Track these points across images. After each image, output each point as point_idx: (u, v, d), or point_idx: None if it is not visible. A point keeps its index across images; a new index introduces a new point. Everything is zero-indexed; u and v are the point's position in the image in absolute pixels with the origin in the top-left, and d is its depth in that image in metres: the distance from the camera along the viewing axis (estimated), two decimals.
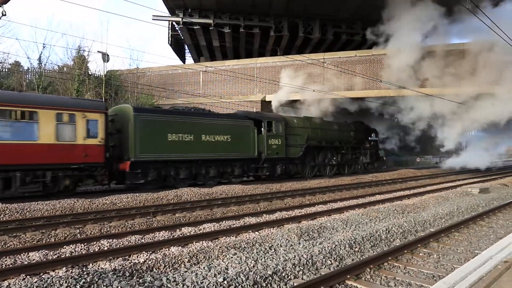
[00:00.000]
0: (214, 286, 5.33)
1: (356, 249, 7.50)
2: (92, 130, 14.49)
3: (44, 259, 6.66)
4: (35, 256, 6.81)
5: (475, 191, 16.81)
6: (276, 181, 20.92)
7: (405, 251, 7.43)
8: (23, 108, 12.92)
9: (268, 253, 7.14)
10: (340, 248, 7.37)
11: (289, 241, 8.03)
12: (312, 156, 24.42)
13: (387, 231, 8.85)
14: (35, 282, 5.26)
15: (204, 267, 6.17)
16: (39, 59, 25.33)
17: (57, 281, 5.25)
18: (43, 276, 5.59)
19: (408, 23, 23.96)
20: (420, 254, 7.50)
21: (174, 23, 34.87)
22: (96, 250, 7.31)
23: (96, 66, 37.29)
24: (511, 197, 15.61)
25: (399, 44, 24.49)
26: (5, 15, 9.08)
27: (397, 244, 8.01)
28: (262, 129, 21.01)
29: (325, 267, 6.53)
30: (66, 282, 5.25)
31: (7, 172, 12.56)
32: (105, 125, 14.80)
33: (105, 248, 7.41)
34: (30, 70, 25.64)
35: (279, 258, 6.65)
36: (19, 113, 12.86)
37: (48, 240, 8.25)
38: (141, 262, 6.36)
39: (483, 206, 13.19)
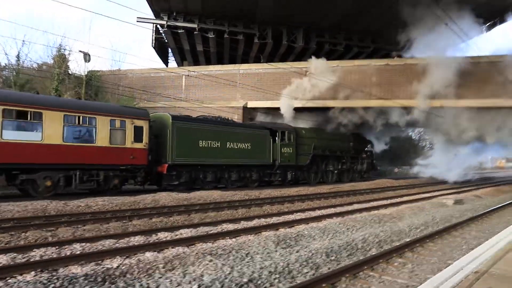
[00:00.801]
0: None
1: (333, 258, 7.51)
2: (138, 135, 16.52)
3: (12, 263, 6.46)
4: (2, 260, 6.61)
5: (450, 202, 17.13)
6: (283, 187, 22.51)
7: (381, 261, 7.47)
8: (84, 114, 14.96)
9: (245, 260, 7.08)
10: (317, 257, 7.36)
11: (266, 248, 7.98)
12: (317, 164, 26.88)
13: (363, 240, 8.90)
14: (0, 286, 5.11)
15: (179, 274, 6.06)
16: (18, 56, 24.76)
17: (24, 286, 5.10)
18: (10, 281, 5.43)
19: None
20: (395, 263, 7.55)
21: (158, 26, 34.65)
22: (68, 254, 7.11)
23: (77, 66, 36.62)
24: (483, 209, 15.96)
25: (433, 53, 24.05)
26: None
27: (373, 254, 8.06)
28: (276, 138, 23.51)
29: (301, 275, 6.51)
30: (33, 286, 5.09)
31: (69, 170, 14.53)
32: (149, 131, 16.91)
33: (77, 252, 7.22)
34: (7, 67, 25.03)
35: (256, 266, 6.60)
36: (81, 119, 14.86)
37: (17, 242, 8.04)
38: (114, 267, 6.22)
39: (457, 217, 13.42)
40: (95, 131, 15.33)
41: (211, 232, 9.64)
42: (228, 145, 20.45)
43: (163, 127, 18.14)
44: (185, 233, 9.43)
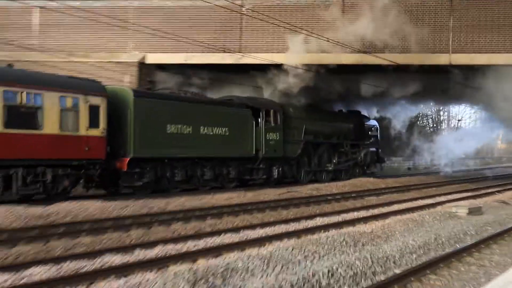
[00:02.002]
0: None
1: None
2: (94, 118, 19.02)
3: None
4: None
5: (462, 212, 17.96)
6: (256, 188, 24.93)
7: None
8: (27, 89, 17.16)
9: None
10: None
11: None
12: (309, 155, 29.60)
13: (330, 275, 9.05)
14: None
15: None
16: None
17: None
18: None
19: None
20: None
21: None
22: None
23: None
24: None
25: None
26: None
27: None
28: (260, 120, 25.91)
29: None
30: None
31: (9, 168, 16.48)
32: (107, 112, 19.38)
33: None
34: None
35: None
36: (24, 96, 17.05)
37: None
38: None
39: (473, 235, 14.02)
40: (42, 114, 17.25)
41: (84, 270, 9.42)
42: (202, 130, 22.98)
43: (120, 107, 20.01)
44: (38, 273, 9.13)
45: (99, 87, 19.67)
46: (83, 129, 18.51)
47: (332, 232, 13.83)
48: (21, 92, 16.77)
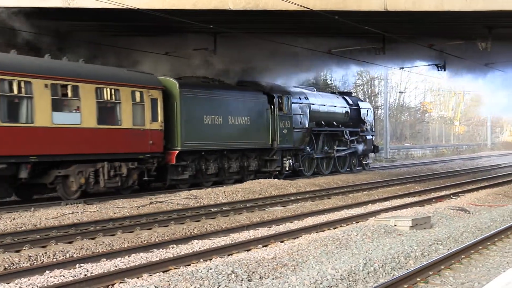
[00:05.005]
0: None
1: None
2: (154, 112, 27.91)
3: None
4: None
5: (403, 226, 18.22)
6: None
7: None
8: (109, 86, 26.74)
9: None
10: None
11: None
12: (313, 145, 38.69)
13: None
14: None
15: None
16: None
17: None
18: None
19: None
20: None
21: None
22: None
23: None
24: (472, 236, 17.38)
25: None
26: None
27: None
28: (273, 107, 34.77)
29: None
30: None
31: (96, 162, 25.65)
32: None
33: None
34: None
35: None
36: (109, 92, 26.68)
37: None
38: None
39: (418, 258, 14.32)
40: (120, 109, 26.14)
41: None
42: (230, 120, 31.73)
43: (166, 98, 28.15)
44: None
45: (156, 80, 28.32)
46: (148, 123, 27.10)
47: (217, 261, 13.87)
48: (106, 89, 25.78)
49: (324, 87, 56.97)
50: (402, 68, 47.97)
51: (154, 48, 34.47)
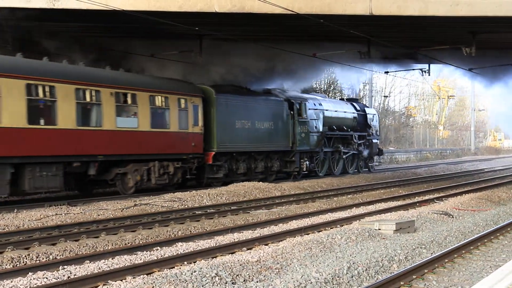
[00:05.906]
0: None
1: None
2: (195, 117, 32.93)
3: None
4: None
5: (387, 229, 18.29)
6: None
7: None
8: (160, 94, 31.40)
9: None
10: None
11: None
12: (326, 148, 43.78)
13: None
14: None
15: None
16: None
17: None
18: None
19: None
20: None
21: None
22: None
23: None
24: (456, 241, 17.46)
25: None
26: None
27: None
28: (292, 112, 39.52)
29: None
30: None
31: (148, 162, 30.30)
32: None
33: None
34: None
35: None
36: (160, 100, 31.62)
37: None
38: None
39: (401, 261, 14.37)
40: (169, 114, 31.08)
41: None
42: (256, 124, 36.32)
43: (204, 105, 32.88)
44: None
45: (197, 88, 33.55)
46: (190, 127, 31.90)
47: (201, 263, 13.91)
48: (157, 96, 30.42)
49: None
50: (387, 72, 48.59)
51: (140, 50, 35.35)
